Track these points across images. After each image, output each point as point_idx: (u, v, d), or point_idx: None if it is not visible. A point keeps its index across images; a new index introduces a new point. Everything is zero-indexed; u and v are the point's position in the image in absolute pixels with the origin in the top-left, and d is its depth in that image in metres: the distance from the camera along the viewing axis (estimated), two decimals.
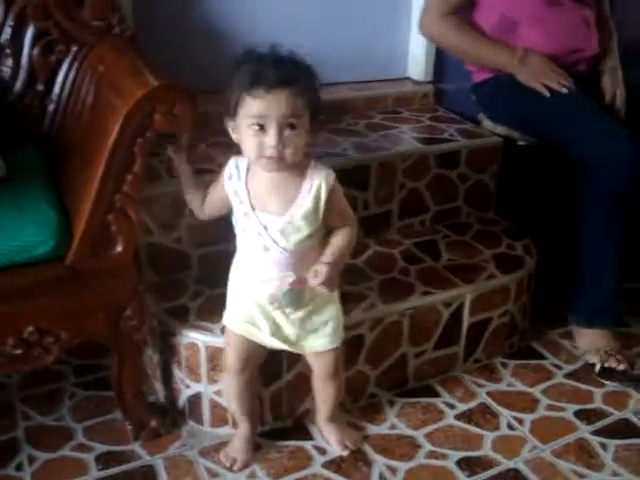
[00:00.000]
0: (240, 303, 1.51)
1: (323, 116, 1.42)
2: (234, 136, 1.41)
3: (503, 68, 2.07)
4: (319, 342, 1.53)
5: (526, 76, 2.02)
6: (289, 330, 1.50)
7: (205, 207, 1.53)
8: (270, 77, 1.31)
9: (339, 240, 1.45)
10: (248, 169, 1.44)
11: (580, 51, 2.09)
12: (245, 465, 1.60)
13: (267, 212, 1.42)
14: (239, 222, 1.46)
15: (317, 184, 1.41)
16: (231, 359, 1.54)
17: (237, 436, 1.63)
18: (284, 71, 1.32)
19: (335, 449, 1.64)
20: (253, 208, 1.43)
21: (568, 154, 1.95)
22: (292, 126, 1.33)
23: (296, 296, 1.46)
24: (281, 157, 1.34)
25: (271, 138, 1.33)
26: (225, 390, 1.64)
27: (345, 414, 1.74)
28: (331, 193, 1.42)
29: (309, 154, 1.43)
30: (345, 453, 1.63)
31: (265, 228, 1.42)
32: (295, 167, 1.40)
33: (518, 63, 2.03)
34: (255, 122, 1.33)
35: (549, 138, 2.02)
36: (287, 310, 1.48)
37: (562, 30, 2.06)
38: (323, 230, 1.46)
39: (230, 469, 1.59)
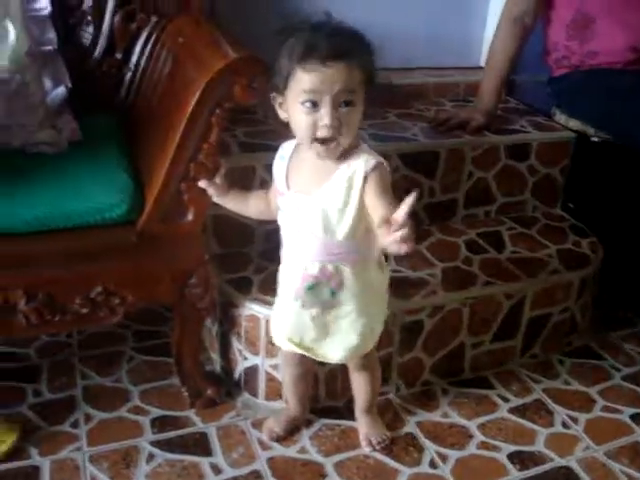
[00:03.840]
0: (279, 304, 1.46)
1: (376, 92, 1.28)
2: (282, 115, 1.30)
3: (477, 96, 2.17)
4: (333, 351, 1.43)
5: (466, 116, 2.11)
6: (308, 333, 1.41)
7: (273, 205, 1.43)
8: (325, 48, 1.18)
9: None
10: (294, 150, 1.36)
11: None
12: (277, 440, 1.61)
13: (301, 192, 1.32)
14: (278, 200, 1.38)
15: (352, 171, 1.27)
16: (284, 351, 1.54)
17: (284, 413, 1.65)
18: (341, 42, 1.20)
19: (361, 443, 1.62)
20: (289, 187, 1.34)
21: None
22: (348, 102, 1.21)
23: (321, 293, 1.36)
24: (336, 138, 1.23)
25: (325, 116, 1.21)
26: (281, 369, 1.65)
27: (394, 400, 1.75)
28: (367, 182, 1.26)
29: (358, 135, 1.31)
30: (368, 450, 1.59)
31: (298, 209, 1.33)
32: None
33: (479, 111, 2.11)
34: (307, 98, 1.21)
35: (630, 136, 1.97)
36: (313, 311, 1.38)
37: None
38: (363, 227, 1.31)
39: (269, 439, 1.61)
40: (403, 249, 1.11)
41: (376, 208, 1.25)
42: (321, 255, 1.34)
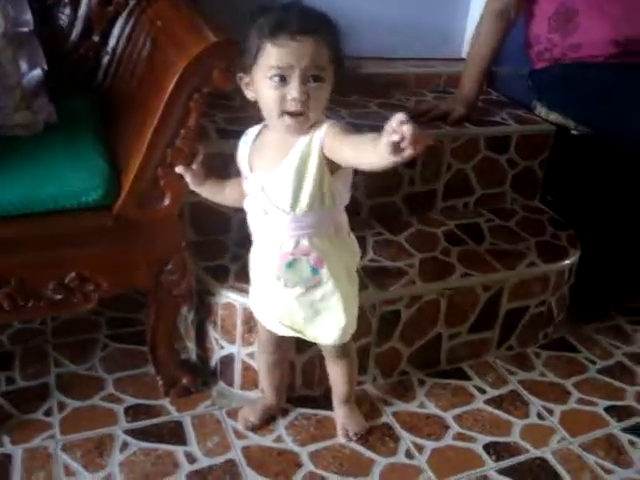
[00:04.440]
0: (258, 289, 1.47)
1: (346, 75, 1.30)
2: (249, 94, 1.31)
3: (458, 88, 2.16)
4: (325, 332, 1.43)
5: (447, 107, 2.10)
6: (298, 314, 1.41)
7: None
8: (295, 24, 1.21)
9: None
10: (257, 135, 1.38)
11: None
12: (252, 429, 1.60)
13: (264, 171, 1.33)
14: (244, 186, 1.39)
15: (310, 137, 1.27)
16: (261, 338, 1.55)
17: (260, 402, 1.64)
18: (310, 19, 1.23)
19: (338, 433, 1.61)
20: (252, 169, 1.36)
21: (629, 146, 1.91)
22: (316, 78, 1.23)
23: (302, 271, 1.36)
24: (303, 112, 1.24)
25: (293, 90, 1.22)
26: (256, 357, 1.65)
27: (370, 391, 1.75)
28: (325, 139, 1.26)
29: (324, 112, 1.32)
30: (344, 440, 1.59)
31: (262, 189, 1.33)
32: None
33: (459, 102, 2.10)
34: (276, 73, 1.22)
35: (610, 130, 1.98)
36: (296, 290, 1.38)
37: (624, 16, 2.01)
38: (329, 195, 1.32)
39: (245, 428, 1.60)
40: (416, 148, 1.09)
41: (345, 140, 1.24)
42: (293, 230, 1.33)
